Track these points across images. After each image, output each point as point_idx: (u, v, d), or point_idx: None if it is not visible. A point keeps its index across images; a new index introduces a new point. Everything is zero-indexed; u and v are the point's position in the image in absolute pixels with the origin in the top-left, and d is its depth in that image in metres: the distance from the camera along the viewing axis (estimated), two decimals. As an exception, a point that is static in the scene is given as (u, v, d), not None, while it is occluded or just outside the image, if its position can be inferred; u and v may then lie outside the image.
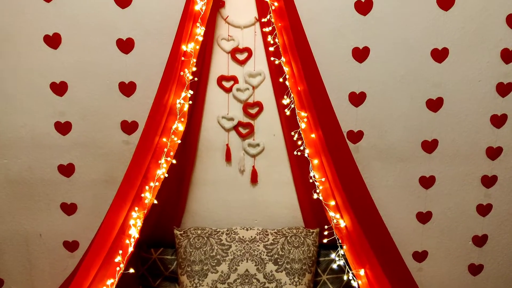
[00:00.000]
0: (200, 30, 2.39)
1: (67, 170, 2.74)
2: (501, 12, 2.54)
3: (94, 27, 2.55)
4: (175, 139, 2.41)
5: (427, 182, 2.76)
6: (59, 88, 2.63)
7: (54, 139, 2.70)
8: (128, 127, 2.67)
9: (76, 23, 2.55)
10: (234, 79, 2.65)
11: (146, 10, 2.54)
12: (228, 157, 2.73)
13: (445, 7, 2.53)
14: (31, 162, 2.73)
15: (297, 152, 2.51)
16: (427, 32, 2.57)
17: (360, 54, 2.59)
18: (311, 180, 2.45)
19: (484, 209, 2.80)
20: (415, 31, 2.56)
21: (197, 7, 2.35)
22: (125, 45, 2.58)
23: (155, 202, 2.37)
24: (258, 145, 2.73)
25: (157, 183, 2.37)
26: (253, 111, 2.68)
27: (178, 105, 2.41)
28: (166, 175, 2.39)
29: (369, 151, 2.72)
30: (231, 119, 2.70)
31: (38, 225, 2.80)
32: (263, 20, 2.49)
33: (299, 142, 2.51)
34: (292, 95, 2.48)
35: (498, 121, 2.68)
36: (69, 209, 2.78)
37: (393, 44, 2.58)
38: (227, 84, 2.66)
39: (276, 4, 2.37)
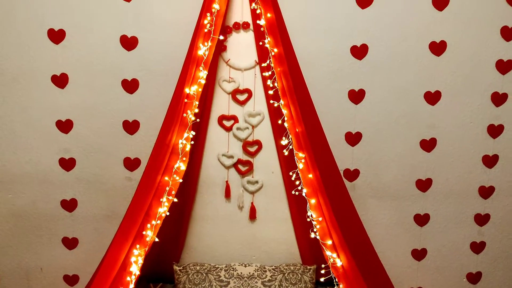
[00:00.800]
0: (203, 74, 2.49)
1: (70, 205, 2.80)
2: (491, 57, 2.66)
3: (101, 68, 2.65)
4: (177, 178, 2.48)
5: (421, 219, 2.83)
6: (65, 126, 2.71)
7: (58, 175, 2.77)
8: (131, 163, 2.75)
9: (83, 64, 2.65)
10: (235, 118, 2.75)
11: (151, 53, 2.64)
12: (227, 194, 2.80)
13: (437, 52, 2.65)
14: (35, 197, 2.79)
15: (295, 191, 2.58)
16: (420, 76, 2.67)
17: (356, 96, 2.70)
18: (308, 219, 2.51)
19: (477, 247, 2.87)
20: (409, 74, 2.67)
21: (200, 52, 2.45)
22: (130, 86, 2.68)
23: (156, 240, 2.43)
24: (257, 182, 2.80)
25: (158, 221, 2.42)
26: (253, 149, 2.77)
27: (180, 145, 2.48)
28: (168, 213, 2.45)
29: (365, 189, 2.80)
30: (231, 156, 2.78)
31: (39, 259, 2.84)
32: (263, 64, 2.59)
33: (297, 182, 2.58)
34: (290, 136, 2.57)
35: (489, 161, 2.77)
36: (70, 243, 2.83)
37: (387, 86, 2.69)
38: (227, 123, 2.75)
39: (275, 50, 2.48)
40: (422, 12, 2.58)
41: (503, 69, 2.65)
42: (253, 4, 2.51)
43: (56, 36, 2.60)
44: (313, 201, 2.50)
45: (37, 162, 2.74)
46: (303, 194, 2.54)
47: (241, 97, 2.71)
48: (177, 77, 2.49)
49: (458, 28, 2.61)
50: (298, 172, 2.55)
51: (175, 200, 2.48)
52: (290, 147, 2.58)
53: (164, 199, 2.44)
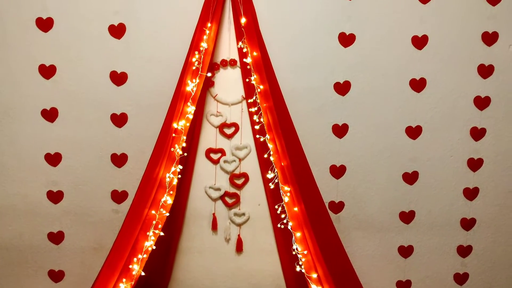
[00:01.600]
0: (191, 109, 2.56)
1: (56, 237, 2.81)
2: (469, 94, 2.76)
3: (90, 102, 2.71)
4: (164, 212, 2.52)
5: (405, 251, 2.88)
6: (53, 159, 2.75)
7: (46, 208, 2.79)
8: (118, 196, 2.78)
9: (73, 98, 2.70)
10: (222, 151, 2.80)
11: (140, 88, 2.70)
12: (214, 226, 2.83)
13: (417, 88, 2.75)
14: (22, 230, 2.80)
15: (280, 225, 2.62)
16: (401, 111, 2.77)
17: (340, 131, 2.78)
18: (294, 252, 2.55)
19: (461, 278, 2.91)
20: (390, 110, 2.76)
21: (188, 88, 2.53)
22: (119, 120, 2.73)
23: (143, 273, 2.44)
24: (243, 214, 2.84)
25: (145, 255, 2.44)
26: (239, 181, 2.82)
27: (167, 179, 2.53)
28: (154, 247, 2.47)
29: (350, 221, 2.85)
30: (218, 189, 2.82)
31: (24, 292, 2.83)
32: (249, 100, 2.67)
33: (283, 215, 2.62)
34: (276, 170, 2.62)
35: (470, 194, 2.85)
36: (56, 276, 2.83)
37: (370, 121, 2.77)
38: (214, 156, 2.81)
39: (261, 86, 2.56)
40: (402, 50, 2.69)
41: (481, 105, 2.75)
42: (240, 43, 2.60)
43: (47, 71, 2.66)
44: (298, 234, 2.54)
45: (25, 195, 2.76)
46: (289, 227, 2.58)
47: (228, 131, 2.77)
48: (165, 111, 2.55)
49: (437, 66, 2.72)
50: (284, 205, 2.60)
51: (162, 234, 2.50)
52: (276, 180, 2.63)
53: (151, 233, 2.47)
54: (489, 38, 2.70)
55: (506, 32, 2.70)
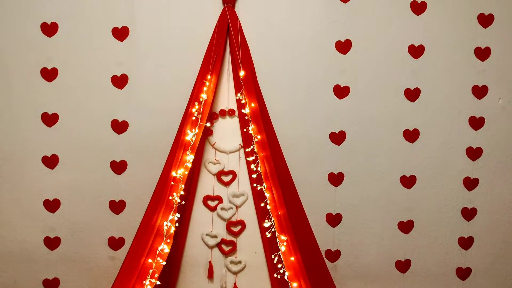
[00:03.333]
0: (189, 158, 2.61)
1: (52, 284, 2.80)
2: (461, 145, 2.84)
3: (91, 149, 2.76)
4: (160, 260, 2.52)
5: (402, 301, 2.87)
6: (52, 205, 2.77)
7: (42, 254, 2.78)
8: (115, 243, 2.79)
9: (74, 145, 2.76)
10: (219, 199, 2.83)
11: (141, 136, 2.76)
12: (210, 274, 2.83)
13: (411, 139, 2.82)
14: (17, 276, 2.79)
15: (277, 275, 2.63)
16: (395, 161, 2.83)
17: (336, 179, 2.82)
18: (290, 303, 2.54)
19: (458, 329, 2.89)
20: (385, 160, 2.82)
21: (187, 138, 2.59)
22: (118, 167, 2.77)
23: (138, 324, 2.42)
24: (240, 262, 2.84)
25: (141, 305, 2.43)
26: (236, 229, 2.83)
27: (165, 227, 2.55)
28: (150, 297, 2.47)
29: (346, 270, 2.85)
30: (215, 236, 2.84)
31: None
32: (247, 150, 2.72)
33: (279, 265, 2.63)
34: (272, 219, 2.65)
35: (465, 243, 2.87)
36: (49, 324, 2.79)
37: (365, 170, 2.83)
38: (212, 204, 2.84)
39: (259, 136, 2.62)
40: (396, 102, 2.78)
41: (473, 155, 2.82)
42: (239, 94, 2.69)
43: (50, 119, 2.72)
44: (295, 284, 2.55)
45: (22, 241, 2.76)
46: (286, 277, 2.58)
47: (226, 178, 2.81)
48: (164, 159, 2.61)
49: (430, 118, 2.80)
50: (281, 254, 2.61)
51: (158, 283, 2.50)
52: (273, 229, 2.65)
53: (147, 282, 2.47)
54: (479, 91, 2.80)
55: (495, 86, 2.80)
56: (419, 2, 2.76)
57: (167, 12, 2.72)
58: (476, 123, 2.81)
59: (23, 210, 2.77)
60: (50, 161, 2.74)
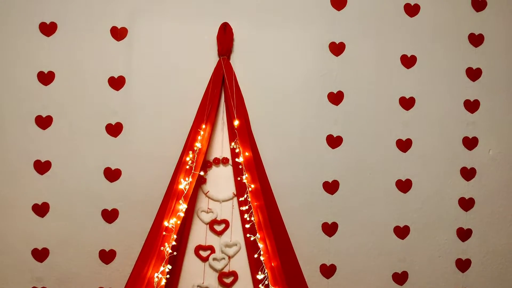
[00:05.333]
0: (182, 207, 2.58)
1: (36, 338, 2.69)
2: (454, 195, 2.85)
3: (82, 198, 2.73)
4: (150, 314, 2.45)
5: None
6: (40, 255, 2.71)
7: (28, 306, 2.69)
8: (104, 295, 2.71)
9: (65, 193, 2.73)
10: (211, 248, 2.79)
11: (133, 184, 2.75)
12: (201, 327, 2.74)
13: (403, 189, 2.83)
14: (0, 329, 2.68)
15: (270, 329, 2.56)
16: (388, 211, 2.83)
17: (329, 229, 2.81)
18: None
19: None
20: (378, 209, 2.82)
21: (181, 186, 2.57)
22: (110, 215, 2.74)
23: None
24: (232, 315, 2.76)
25: None
26: (228, 280, 2.78)
27: (156, 279, 2.49)
28: None
29: (340, 323, 2.79)
30: (206, 288, 2.77)
31: None
32: (240, 199, 2.71)
33: (273, 320, 2.57)
34: (266, 271, 2.61)
35: (460, 295, 2.83)
36: None
37: (359, 220, 2.82)
38: (204, 254, 2.79)
39: (253, 186, 2.61)
40: (388, 152, 2.82)
41: (466, 206, 2.83)
42: (233, 143, 2.70)
43: (42, 167, 2.71)
44: None
45: (8, 292, 2.68)
46: (278, 332, 2.51)
47: (219, 228, 2.78)
48: (156, 208, 2.59)
49: (421, 168, 2.83)
50: (274, 308, 2.55)
51: (148, 338, 2.42)
52: (266, 282, 2.60)
53: (136, 337, 2.38)
54: (470, 143, 2.84)
55: (485, 137, 2.86)
56: (409, 56, 2.84)
57: (163, 62, 2.77)
58: (468, 173, 2.84)
59: (10, 259, 2.71)
60: (41, 209, 2.71)
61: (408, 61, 2.83)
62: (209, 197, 2.80)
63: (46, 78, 2.73)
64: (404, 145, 2.81)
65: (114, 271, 2.72)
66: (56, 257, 2.72)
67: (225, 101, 2.74)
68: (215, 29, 2.74)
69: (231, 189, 2.80)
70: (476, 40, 2.86)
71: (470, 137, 2.84)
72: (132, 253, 2.66)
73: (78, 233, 2.72)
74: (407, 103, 2.82)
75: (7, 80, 2.73)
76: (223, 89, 2.75)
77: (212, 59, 2.75)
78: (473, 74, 2.85)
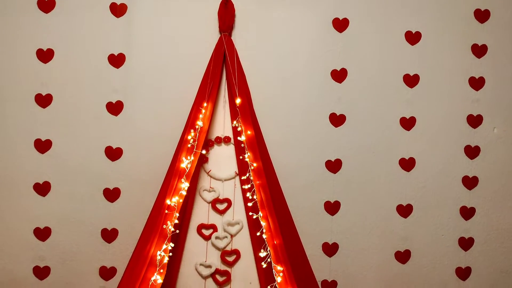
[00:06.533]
0: (184, 185, 2.57)
1: (40, 316, 2.70)
2: (457, 174, 2.83)
3: (84, 177, 2.72)
4: (153, 291, 2.45)
5: (400, 333, 2.81)
6: (43, 234, 2.70)
7: (31, 284, 2.71)
8: (107, 273, 2.72)
9: (66, 173, 2.71)
10: (214, 227, 2.78)
11: (135, 163, 2.73)
12: (204, 305, 2.75)
13: (407, 168, 2.81)
14: (4, 307, 2.69)
15: (273, 307, 2.57)
16: (391, 190, 2.81)
17: (332, 208, 2.79)
18: (286, 336, 2.47)
19: None
20: (380, 188, 2.80)
21: (183, 165, 2.55)
22: (112, 195, 2.73)
23: None
24: (234, 293, 2.77)
25: (131, 339, 2.35)
26: (231, 259, 2.78)
27: (158, 257, 2.49)
28: (141, 330, 2.39)
29: (343, 301, 2.79)
30: (209, 266, 2.77)
31: None
32: (243, 177, 2.69)
33: (276, 297, 2.57)
34: (268, 248, 2.60)
35: (463, 274, 2.84)
36: None
37: (361, 199, 2.81)
38: (206, 232, 2.78)
39: (255, 164, 2.59)
40: (391, 131, 2.79)
41: (469, 184, 2.81)
42: (235, 122, 2.67)
43: (43, 145, 2.69)
44: (291, 317, 2.48)
45: (11, 270, 2.68)
46: (281, 310, 2.52)
47: (221, 207, 2.77)
48: (158, 187, 2.57)
49: (425, 147, 2.80)
50: (276, 285, 2.55)
51: (150, 315, 2.42)
52: (269, 259, 2.60)
53: (139, 315, 2.38)
54: (474, 121, 2.81)
55: (490, 115, 2.82)
56: (413, 32, 2.79)
57: (164, 39, 2.73)
58: (472, 152, 2.81)
59: (12, 238, 2.70)
60: (42, 188, 2.69)
61: (413, 38, 2.79)
62: (211, 176, 2.78)
63: (45, 55, 2.69)
64: (408, 123, 2.78)
65: (116, 250, 2.72)
66: (58, 236, 2.71)
67: (227, 78, 2.70)
68: (216, 5, 2.70)
69: (233, 168, 2.78)
70: (482, 16, 2.81)
71: (475, 115, 2.80)
72: (134, 232, 2.65)
73: (80, 212, 2.71)
74: (411, 80, 2.78)
75: (6, 58, 2.69)
76: (224, 67, 2.71)
77: (213, 36, 2.71)
78: (479, 50, 2.80)
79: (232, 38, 2.70)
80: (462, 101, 2.81)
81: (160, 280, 2.46)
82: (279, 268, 2.53)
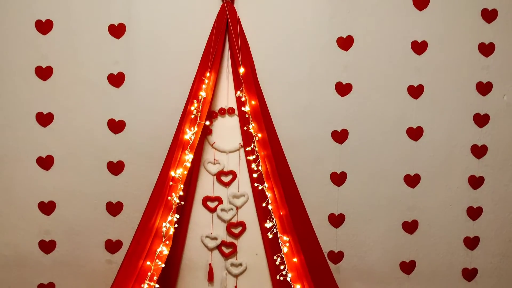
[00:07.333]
0: (188, 157, 2.54)
1: (47, 289, 2.71)
2: (466, 142, 2.78)
3: (87, 150, 2.69)
4: (159, 263, 2.45)
5: (407, 303, 2.80)
6: (47, 208, 2.69)
7: (37, 258, 2.70)
8: (112, 246, 2.71)
9: (69, 146, 2.69)
10: (219, 199, 2.76)
11: (138, 136, 2.69)
12: (210, 277, 2.75)
13: (414, 137, 2.76)
14: (10, 282, 2.71)
15: (279, 276, 2.56)
16: (399, 160, 2.76)
17: (338, 179, 2.76)
18: (293, 306, 2.47)
19: (464, 331, 2.82)
20: (388, 158, 2.75)
21: (186, 136, 2.52)
22: (115, 168, 2.70)
23: (136, 329, 2.34)
24: (240, 264, 2.77)
25: (139, 309, 2.35)
26: (237, 230, 2.76)
27: (164, 229, 2.47)
28: (149, 300, 2.39)
29: (350, 272, 2.78)
30: (215, 238, 2.76)
31: None
32: (247, 148, 2.65)
33: (282, 267, 2.56)
34: (274, 219, 2.58)
35: (471, 243, 2.80)
36: (45, 331, 2.71)
37: (368, 169, 2.76)
38: (211, 205, 2.76)
39: (260, 135, 2.55)
40: (399, 99, 2.73)
41: (478, 153, 2.76)
42: (238, 92, 2.62)
43: (44, 119, 2.65)
44: (298, 286, 2.48)
45: (16, 244, 2.68)
46: (288, 279, 2.51)
47: (226, 179, 2.74)
48: (162, 159, 2.54)
49: (433, 115, 2.74)
50: (283, 256, 2.54)
51: (157, 286, 2.42)
52: (275, 230, 2.58)
53: (146, 285, 2.39)
54: (484, 88, 2.74)
55: (499, 82, 2.75)
56: (421, -3, 2.71)
57: (164, 8, 2.66)
58: (481, 120, 2.75)
59: (17, 213, 2.69)
60: (45, 162, 2.67)
61: (421, 3, 2.71)
62: (215, 148, 2.74)
63: (44, 26, 2.64)
64: (415, 91, 2.72)
65: (121, 223, 2.71)
66: (63, 210, 2.70)
67: (230, 48, 2.64)
68: (218, -29, 2.61)
69: (238, 140, 2.74)
70: (492, -21, 2.72)
71: (484, 82, 2.74)
72: (139, 204, 2.63)
73: (84, 186, 2.69)
74: (419, 47, 2.71)
75: (3, 30, 2.64)
76: (227, 36, 2.64)
77: (215, 4, 2.63)
78: (489, 15, 2.72)
79: (234, 6, 2.63)
80: (471, 68, 2.74)
81: (166, 251, 2.45)
82: (285, 238, 2.51)
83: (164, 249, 2.45)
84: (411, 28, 2.72)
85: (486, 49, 2.73)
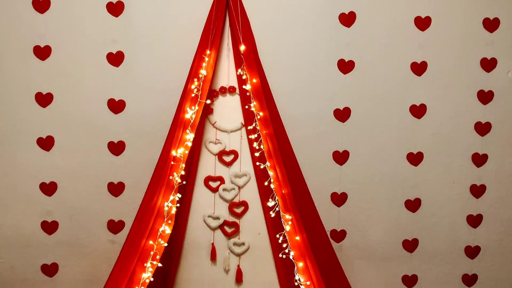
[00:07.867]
0: (189, 136, 2.52)
1: (50, 269, 2.72)
2: (470, 120, 2.75)
3: (87, 130, 2.67)
4: (162, 242, 2.45)
5: (409, 281, 2.81)
6: (49, 188, 2.68)
7: (40, 239, 2.70)
8: (115, 226, 2.71)
9: (69, 127, 2.66)
10: (221, 179, 2.75)
11: (138, 115, 2.67)
12: (213, 256, 2.75)
13: (417, 115, 2.73)
14: (14, 262, 2.71)
15: (282, 254, 2.56)
16: (402, 138, 2.74)
17: (341, 157, 2.74)
18: (296, 283, 2.47)
19: (467, 308, 2.83)
20: (391, 136, 2.73)
21: (187, 116, 2.49)
22: (116, 148, 2.68)
23: (140, 308, 2.35)
24: (243, 244, 2.76)
25: (142, 287, 2.36)
26: (239, 210, 2.75)
27: (166, 208, 2.47)
28: (152, 279, 2.39)
29: (352, 250, 2.78)
30: (217, 218, 2.76)
31: (15, 327, 2.72)
32: (249, 127, 2.63)
33: (284, 245, 2.56)
34: (276, 198, 2.57)
35: (474, 221, 2.80)
36: (49, 310, 2.72)
37: (370, 148, 2.74)
38: (213, 184, 2.75)
39: (261, 113, 2.53)
40: (402, 77, 2.69)
41: (482, 131, 2.73)
42: (239, 70, 2.59)
43: (44, 99, 2.63)
44: (300, 264, 2.47)
45: (18, 226, 2.68)
46: (291, 257, 2.51)
47: (227, 158, 2.73)
48: (163, 139, 2.52)
49: (437, 92, 2.71)
50: (285, 234, 2.53)
51: (160, 265, 2.42)
52: (277, 208, 2.57)
53: (148, 264, 2.40)
54: (488, 64, 2.71)
55: (504, 58, 2.71)
56: (425, -28, 2.65)
57: (163, -16, 2.60)
58: (485, 97, 2.72)
59: (19, 194, 2.68)
60: (46, 143, 2.65)
61: (424, -23, 2.64)
62: (216, 128, 2.72)
63: (41, 5, 2.59)
64: (419, 68, 2.68)
65: (123, 203, 2.70)
66: (64, 191, 2.69)
67: (230, 25, 2.60)
68: None
69: (239, 119, 2.71)
70: (497, -48, 2.66)
71: (489, 58, 2.70)
72: (141, 184, 2.62)
73: (85, 166, 2.68)
74: (422, 23, 2.67)
75: (0, 10, 2.58)
76: (227, 12, 2.59)
77: (215, -20, 2.58)
78: (494, -11, 2.66)
79: (234, -19, 2.57)
80: (475, 44, 2.70)
81: (168, 231, 2.45)
82: (287, 216, 2.50)
83: (166, 229, 2.45)
84: (414, 3, 2.67)
85: (491, 25, 2.69)
